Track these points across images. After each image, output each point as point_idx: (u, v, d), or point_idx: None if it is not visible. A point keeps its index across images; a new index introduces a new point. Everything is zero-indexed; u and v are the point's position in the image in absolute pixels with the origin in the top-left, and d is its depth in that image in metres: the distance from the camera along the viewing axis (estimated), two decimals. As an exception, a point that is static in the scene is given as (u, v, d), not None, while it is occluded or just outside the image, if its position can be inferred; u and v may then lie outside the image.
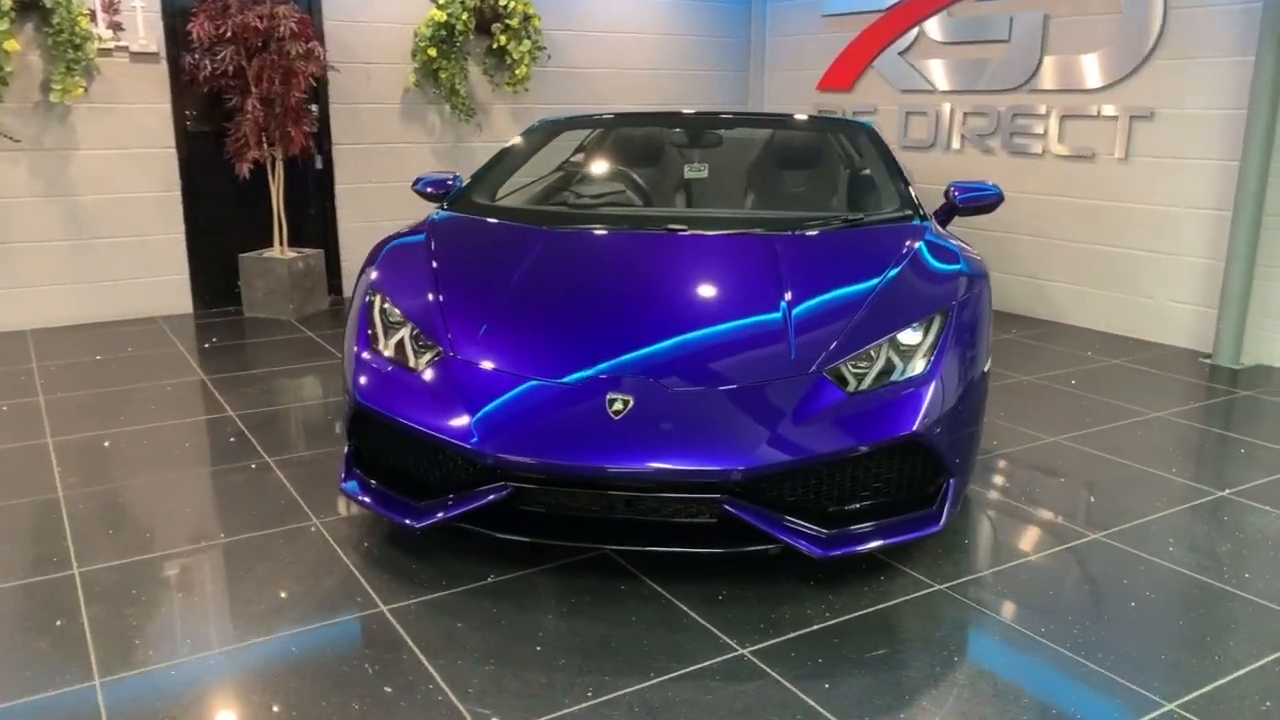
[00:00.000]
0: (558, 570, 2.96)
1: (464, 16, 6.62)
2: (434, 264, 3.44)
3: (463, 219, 3.86)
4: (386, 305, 3.27)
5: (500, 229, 3.74)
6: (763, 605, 2.76)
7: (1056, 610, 2.77)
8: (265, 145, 6.03)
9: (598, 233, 3.63)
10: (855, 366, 2.89)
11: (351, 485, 3.12)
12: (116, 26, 5.80)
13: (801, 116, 4.61)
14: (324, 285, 6.59)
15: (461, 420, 2.83)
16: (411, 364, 3.05)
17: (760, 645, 2.57)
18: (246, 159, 6.00)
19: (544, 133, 4.52)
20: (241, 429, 4.21)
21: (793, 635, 2.62)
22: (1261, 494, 3.56)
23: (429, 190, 4.42)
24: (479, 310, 3.17)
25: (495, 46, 6.83)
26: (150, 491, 3.58)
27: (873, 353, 2.92)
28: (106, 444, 4.01)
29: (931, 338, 2.99)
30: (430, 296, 3.25)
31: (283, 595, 2.83)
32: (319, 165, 6.74)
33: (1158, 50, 5.56)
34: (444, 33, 6.65)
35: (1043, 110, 6.17)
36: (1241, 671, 2.47)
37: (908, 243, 3.41)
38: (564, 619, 2.71)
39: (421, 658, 2.51)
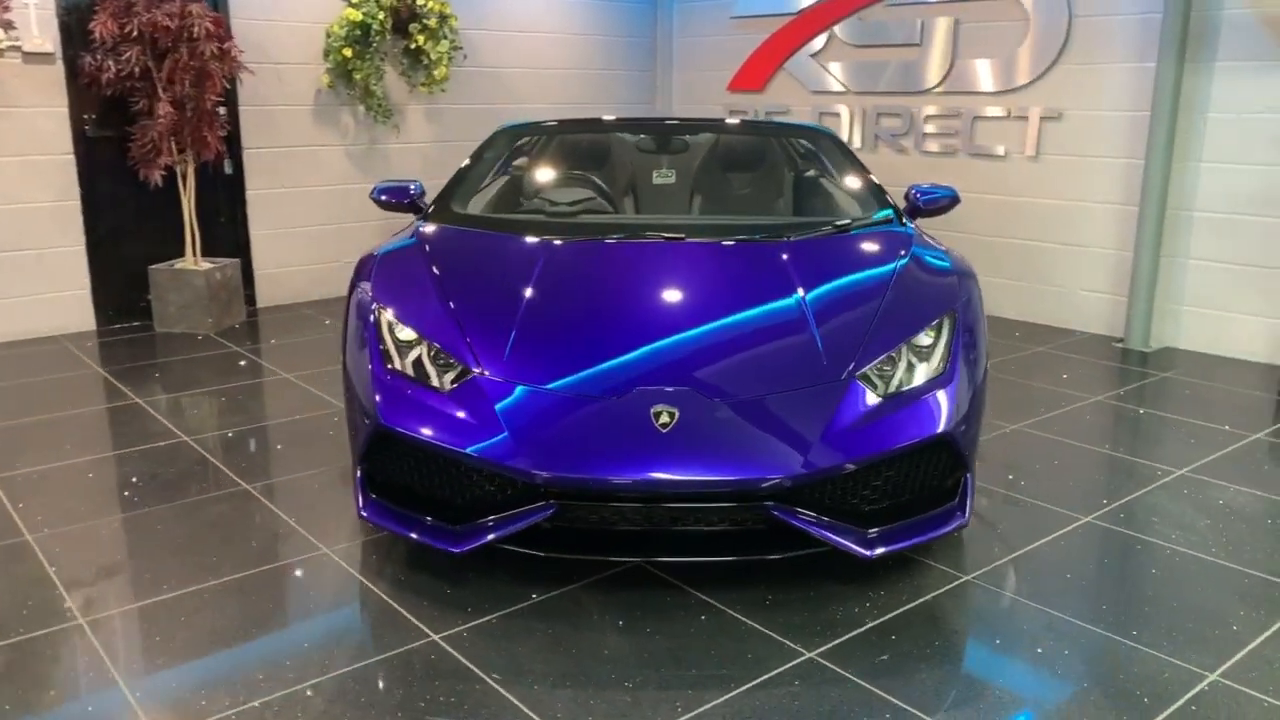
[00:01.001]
0: (597, 585, 2.94)
1: (380, 16, 6.42)
2: (438, 278, 3.35)
3: (454, 230, 3.77)
4: (393, 321, 3.17)
5: (497, 240, 3.66)
6: (811, 607, 2.82)
7: (1079, 592, 2.94)
8: (176, 151, 5.70)
9: (601, 242, 3.60)
10: (880, 370, 2.98)
11: (372, 512, 3.02)
12: (8, 25, 5.36)
13: (763, 120, 4.70)
14: (241, 297, 6.29)
15: (504, 440, 2.78)
16: (435, 383, 2.97)
17: (824, 648, 2.63)
18: (157, 165, 5.66)
19: (508, 139, 4.44)
20: (203, 454, 3.99)
21: (850, 635, 2.69)
22: (1215, 470, 3.86)
23: (386, 199, 4.28)
24: (500, 326, 3.11)
25: (413, 46, 6.66)
26: (131, 529, 3.35)
27: (894, 356, 3.01)
28: (56, 478, 3.73)
29: (944, 339, 3.12)
30: (443, 313, 3.17)
31: (324, 630, 2.71)
32: (229, 171, 6.42)
33: (1064, 55, 5.91)
34: (359, 32, 6.44)
35: (955, 111, 6.47)
36: (1262, 638, 2.68)
37: (901, 248, 3.53)
38: (623, 635, 2.70)
39: (496, 686, 2.46)
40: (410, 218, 4.15)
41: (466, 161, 4.27)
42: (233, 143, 6.32)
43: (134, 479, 3.74)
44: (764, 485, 2.71)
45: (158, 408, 4.56)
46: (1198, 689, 2.46)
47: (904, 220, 3.83)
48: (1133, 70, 5.64)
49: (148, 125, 5.61)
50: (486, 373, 2.96)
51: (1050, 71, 5.99)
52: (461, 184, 4.12)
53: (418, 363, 3.04)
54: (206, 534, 3.31)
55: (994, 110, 6.28)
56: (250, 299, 6.55)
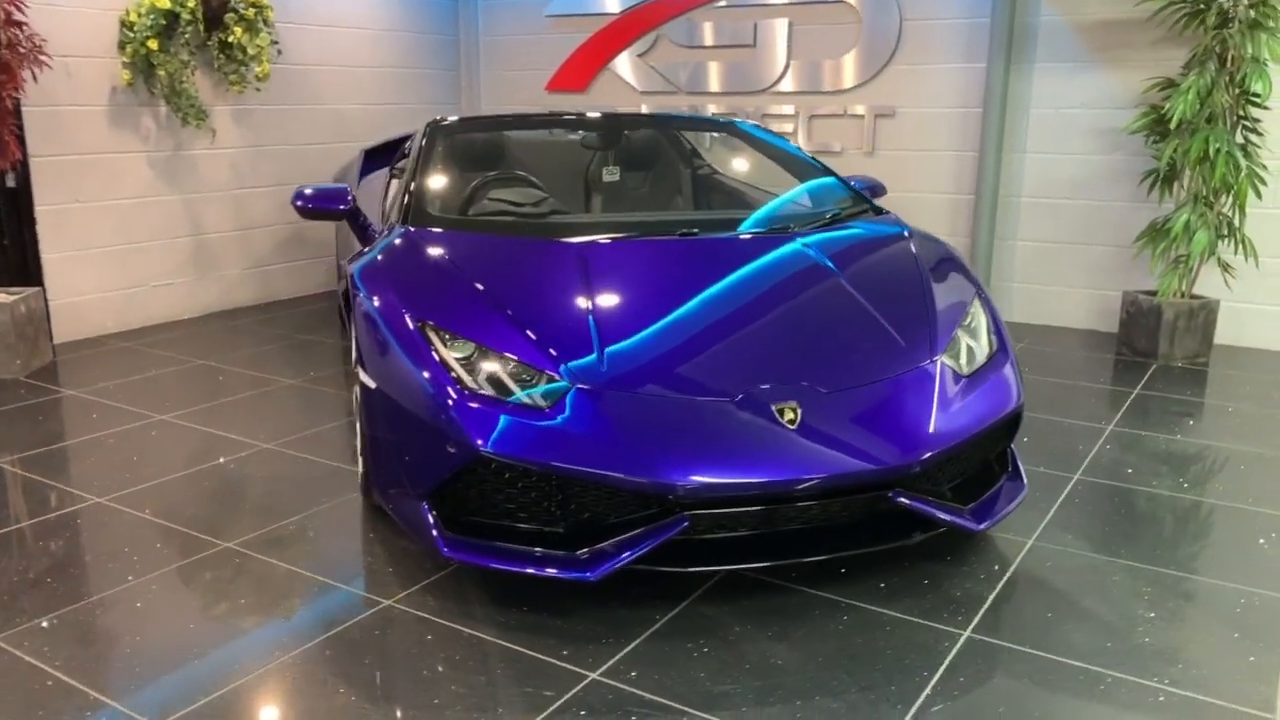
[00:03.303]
0: (708, 598, 2.80)
1: (190, 4, 5.68)
2: (478, 286, 3.04)
3: (463, 235, 3.43)
4: (446, 335, 2.84)
5: (517, 243, 3.39)
6: (934, 590, 2.85)
7: (1128, 539, 3.19)
8: (-36, 160, 4.74)
9: (634, 241, 3.43)
10: (952, 351, 3.07)
11: (456, 549, 2.69)
12: None
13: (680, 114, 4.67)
14: (47, 332, 5.33)
15: (630, 454, 2.59)
16: (525, 399, 2.70)
17: (977, 626, 2.67)
18: (-57, 178, 4.67)
19: (444, 137, 4.11)
20: (148, 518, 3.35)
21: (986, 611, 2.75)
22: (1098, 415, 4.33)
23: (314, 206, 3.86)
24: (577, 333, 2.89)
25: (230, 40, 5.95)
26: (134, 605, 2.75)
27: (958, 336, 3.12)
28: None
29: (985, 316, 3.27)
30: (505, 323, 2.90)
31: (459, 690, 2.38)
32: (10, 183, 5.41)
33: (896, 57, 6.37)
34: (164, 22, 5.66)
35: (791, 110, 6.77)
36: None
37: (902, 232, 3.66)
38: (781, 643, 2.59)
39: (703, 714, 2.28)
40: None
41: (407, 163, 3.91)
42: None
43: (78, 553, 3.08)
44: (898, 472, 2.71)
45: (41, 468, 3.77)
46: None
47: (879, 209, 3.96)
48: (960, 70, 6.19)
49: (-75, 129, 4.62)
50: (585, 385, 2.73)
51: (883, 72, 6.43)
52: (425, 187, 3.75)
53: (495, 379, 2.75)
54: (236, 606, 2.79)
55: (830, 109, 6.65)
56: (47, 333, 5.56)
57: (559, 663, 2.49)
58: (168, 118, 6.00)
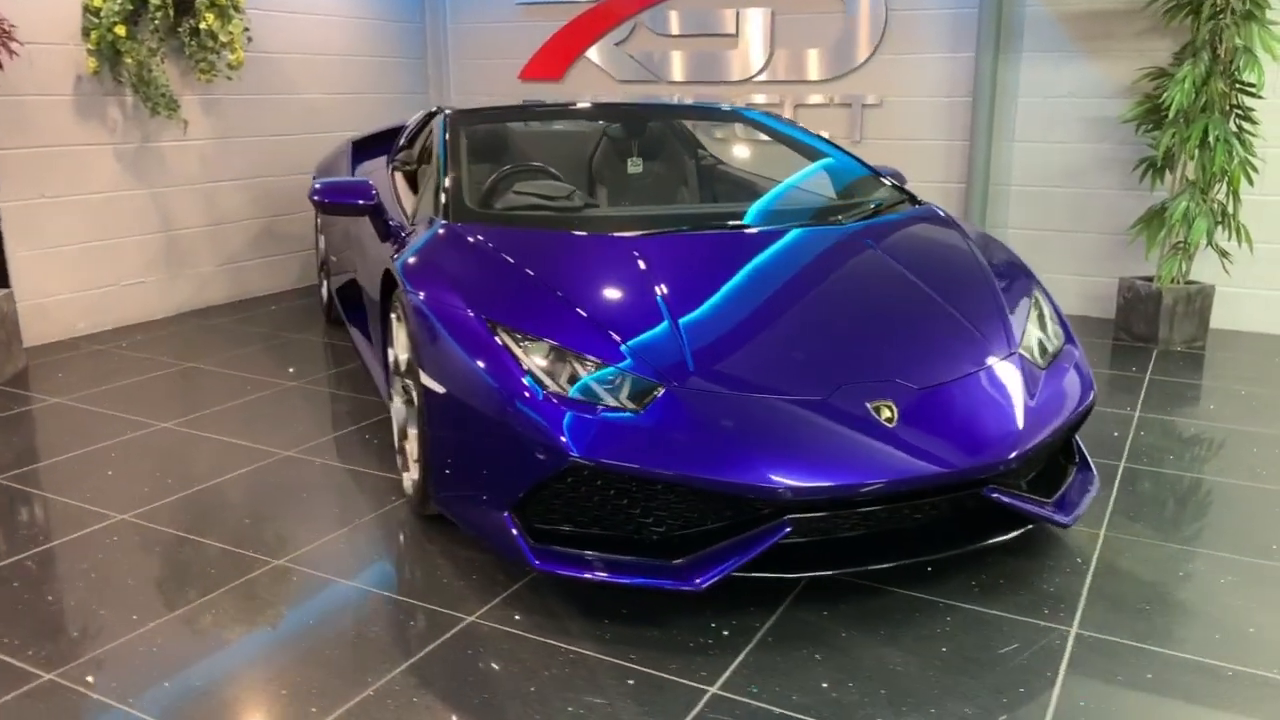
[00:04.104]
0: (805, 603, 2.72)
1: (161, -12, 5.38)
2: (543, 284, 2.90)
3: (506, 231, 3.28)
4: (518, 336, 2.71)
5: (568, 240, 3.26)
6: (1026, 587, 2.81)
7: (1193, 525, 3.21)
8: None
9: (696, 235, 3.33)
10: (1025, 343, 3.04)
11: (547, 560, 2.57)
12: None
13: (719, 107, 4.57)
14: (19, 334, 4.99)
15: (735, 457, 2.49)
16: (614, 401, 2.58)
17: (1082, 622, 2.64)
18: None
19: (466, 127, 3.94)
20: (184, 535, 3.13)
21: (1084, 606, 2.72)
22: (1172, 409, 4.39)
23: (335, 201, 3.68)
24: (659, 333, 2.78)
25: (203, 26, 5.64)
26: (195, 632, 2.56)
27: (1029, 328, 3.09)
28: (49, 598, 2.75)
29: (1048, 305, 3.25)
30: (582, 322, 2.77)
31: (577, 711, 2.26)
32: (-29, 178, 5.06)
33: (882, 46, 6.36)
34: (132, 7, 5.34)
35: (776, 100, 6.71)
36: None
37: (949, 221, 3.62)
38: (893, 647, 2.52)
39: (844, 727, 2.20)
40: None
41: (434, 156, 3.73)
42: (-20, 142, 4.99)
43: (119, 575, 2.85)
44: (996, 468, 2.66)
45: (43, 484, 3.51)
46: (1375, 593, 2.79)
47: (918, 198, 3.92)
48: (947, 60, 6.20)
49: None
50: (678, 385, 2.62)
51: (870, 61, 6.41)
52: (462, 181, 3.59)
53: (578, 381, 2.63)
54: (311, 630, 2.61)
55: (816, 98, 6.61)
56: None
57: (672, 677, 2.38)
58: (135, 108, 5.67)
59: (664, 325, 2.80)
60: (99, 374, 4.85)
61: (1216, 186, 5.22)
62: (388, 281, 3.35)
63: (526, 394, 2.58)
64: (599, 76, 7.26)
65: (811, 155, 4.20)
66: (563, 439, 2.50)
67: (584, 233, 3.32)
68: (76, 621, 2.63)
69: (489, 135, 4.25)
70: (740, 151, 4.87)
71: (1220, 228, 5.25)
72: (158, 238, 5.95)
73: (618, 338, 2.73)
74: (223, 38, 5.74)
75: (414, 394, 3.02)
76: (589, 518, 2.63)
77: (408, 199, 4.00)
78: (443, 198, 3.46)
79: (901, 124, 6.41)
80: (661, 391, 2.59)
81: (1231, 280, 5.50)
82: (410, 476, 3.18)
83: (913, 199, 3.88)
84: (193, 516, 3.27)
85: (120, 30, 5.31)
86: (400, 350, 3.21)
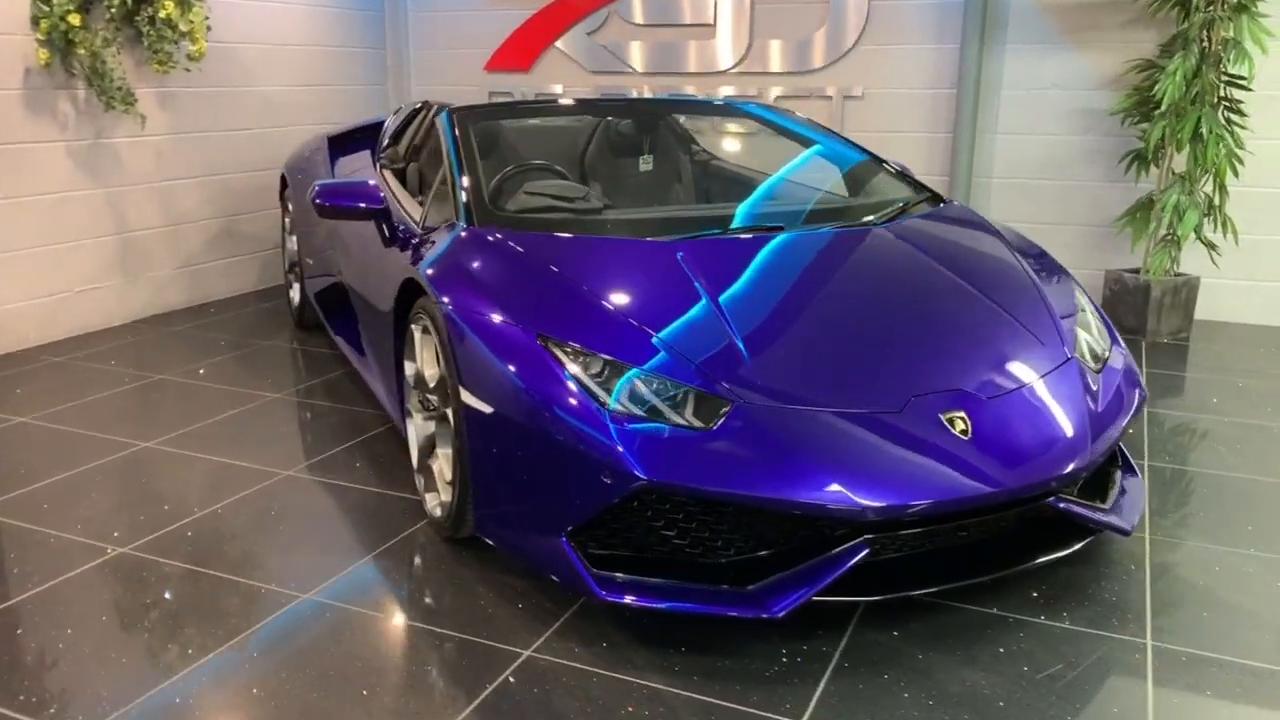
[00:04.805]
0: (871, 623, 2.61)
1: (117, -25, 5.05)
2: (589, 293, 2.75)
3: (537, 237, 3.10)
4: (569, 350, 2.55)
5: (604, 245, 3.11)
6: (1089, 597, 2.74)
7: (1233, 526, 3.18)
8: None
9: (735, 240, 3.19)
10: (1077, 347, 2.97)
11: (612, 589, 2.43)
12: None
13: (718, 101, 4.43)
14: (-29, 349, 4.66)
15: (814, 477, 2.37)
16: (680, 420, 2.44)
17: (1155, 633, 2.58)
18: None
19: (473, 125, 3.74)
20: (195, 569, 2.90)
21: (1152, 616, 2.66)
22: (1177, 403, 4.39)
23: (341, 205, 3.48)
24: (719, 344, 2.64)
25: (162, 15, 5.31)
26: (229, 688, 2.35)
27: (1078, 330, 3.03)
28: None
29: (1089, 308, 3.19)
30: (638, 335, 2.63)
31: (677, 754, 2.12)
32: (-87, 179, 4.69)
33: (864, 37, 6.28)
34: (86, -5, 5.01)
35: (755, 92, 6.59)
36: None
37: (980, 220, 3.54)
38: (976, 669, 2.42)
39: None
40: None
41: (449, 155, 3.52)
42: (-76, 141, 4.62)
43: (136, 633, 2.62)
44: (1070, 477, 2.58)
45: (23, 514, 3.23)
46: None
47: (941, 196, 3.83)
48: (930, 51, 6.15)
49: None
50: (743, 399, 2.49)
51: (851, 52, 6.33)
52: (481, 183, 3.40)
53: (640, 397, 2.48)
54: (355, 665, 2.42)
55: (795, 90, 6.51)
56: (-36, 351, 4.88)
57: (757, 711, 2.26)
58: (87, 101, 5.33)
59: (722, 335, 2.67)
60: (62, 389, 4.54)
61: (1204, 179, 5.26)
62: (405, 290, 3.15)
63: (586, 412, 2.43)
64: (569, 67, 7.06)
65: (830, 154, 4.09)
66: (629, 460, 2.35)
67: (620, 236, 3.16)
68: (92, 675, 2.41)
69: (486, 132, 4.06)
70: (751, 148, 4.74)
71: (1207, 219, 5.28)
72: (112, 240, 5.61)
73: (675, 349, 2.59)
74: (183, 26, 5.42)
75: (448, 411, 2.84)
76: (650, 541, 2.49)
77: (408, 200, 3.79)
78: (462, 197, 3.27)
79: (884, 116, 6.35)
80: (730, 407, 2.46)
81: (1212, 271, 5.54)
82: (439, 498, 3.00)
83: (936, 196, 3.79)
84: (200, 546, 3.04)
85: (74, 19, 4.97)
86: (426, 365, 3.02)
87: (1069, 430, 2.64)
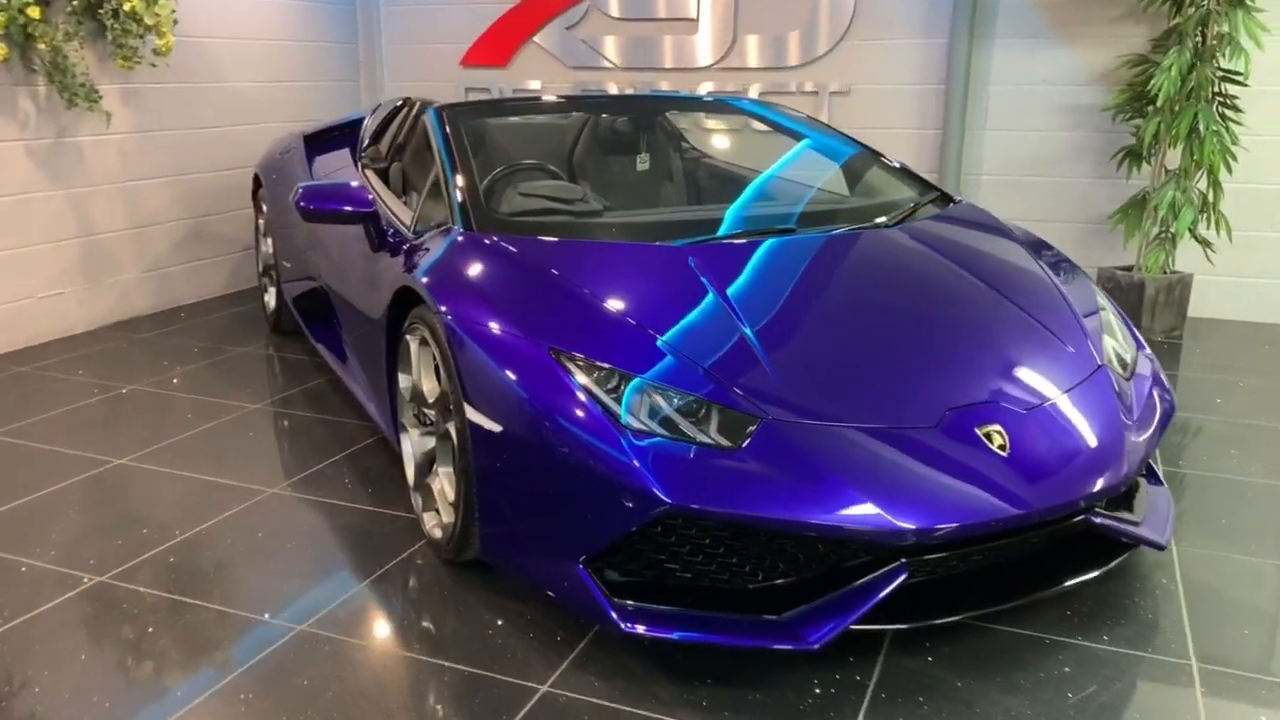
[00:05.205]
0: (903, 648, 2.48)
1: (77, -36, 4.81)
2: (600, 302, 2.59)
3: (541, 242, 2.94)
4: (580, 362, 2.40)
5: (611, 250, 2.96)
6: (1124, 616, 2.64)
7: (1259, 534, 3.10)
8: None
9: (746, 244, 3.04)
10: (1105, 355, 2.86)
11: (635, 620, 2.28)
12: None
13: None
14: (-73, 360, 4.40)
15: (851, 498, 2.24)
16: (705, 438, 2.30)
17: (1199, 654, 2.48)
18: None
19: (464, 124, 3.57)
20: (175, 598, 2.72)
21: (1193, 635, 2.56)
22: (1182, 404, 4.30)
23: (326, 208, 3.31)
24: (742, 356, 2.50)
25: (126, 8, 5.06)
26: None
27: (1105, 337, 2.92)
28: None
29: (1113, 313, 3.09)
30: (655, 347, 2.49)
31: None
32: None
33: (851, 32, 6.17)
34: (46, -14, 4.76)
35: (741, 87, 6.46)
36: None
37: (993, 221, 3.43)
38: (1019, 696, 2.31)
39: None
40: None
41: (440, 155, 3.35)
42: (-126, 140, 4.36)
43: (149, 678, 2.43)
44: (1109, 492, 2.47)
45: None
46: None
47: (951, 195, 3.72)
48: (917, 46, 6.05)
49: None
50: (770, 416, 2.35)
51: (838, 47, 6.21)
52: (477, 185, 3.23)
53: (659, 414, 2.34)
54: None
55: (783, 85, 6.38)
56: (-81, 362, 4.62)
57: (795, 747, 2.13)
58: (48, 98, 5.08)
59: (743, 346, 2.52)
60: (26, 401, 4.31)
61: (1198, 175, 5.20)
62: (400, 299, 2.97)
63: (605, 431, 2.28)
64: (548, 62, 6.89)
65: (834, 152, 3.96)
66: (653, 483, 2.20)
67: (627, 241, 3.01)
68: (76, 720, 2.22)
69: (474, 131, 3.88)
70: (752, 148, 4.60)
71: (1201, 216, 5.22)
72: (76, 243, 5.36)
73: (694, 362, 2.44)
74: (148, 20, 5.18)
75: (449, 428, 2.67)
76: (672, 567, 2.34)
77: (395, 202, 3.61)
78: (457, 198, 3.10)
79: (870, 112, 6.24)
80: (758, 424, 2.31)
81: (1203, 268, 5.48)
82: (439, 519, 2.83)
83: (945, 196, 3.68)
84: (183, 574, 2.85)
85: (34, 12, 4.72)
86: (424, 378, 2.85)
87: (1105, 443, 2.53)
